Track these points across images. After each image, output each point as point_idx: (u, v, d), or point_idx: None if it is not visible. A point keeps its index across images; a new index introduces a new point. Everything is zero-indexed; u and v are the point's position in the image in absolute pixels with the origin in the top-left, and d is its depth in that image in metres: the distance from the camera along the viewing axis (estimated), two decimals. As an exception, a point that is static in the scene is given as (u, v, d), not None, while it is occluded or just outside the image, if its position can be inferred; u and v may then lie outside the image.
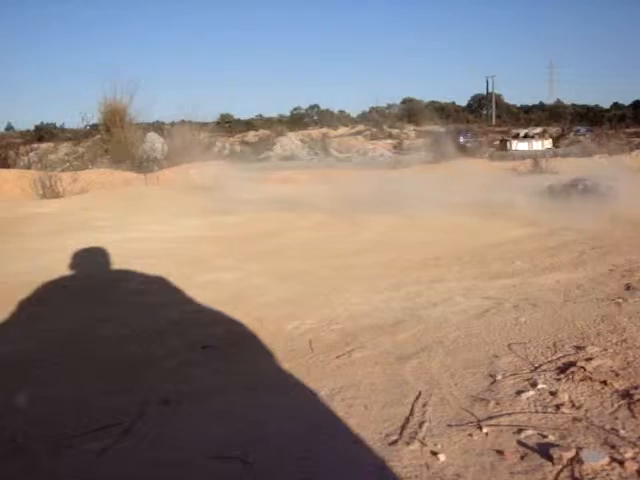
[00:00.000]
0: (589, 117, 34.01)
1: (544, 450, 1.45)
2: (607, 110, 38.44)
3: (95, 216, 6.58)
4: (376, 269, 3.84)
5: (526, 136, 29.15)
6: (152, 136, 14.77)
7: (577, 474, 1.35)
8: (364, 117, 41.18)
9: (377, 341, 2.42)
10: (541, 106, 42.21)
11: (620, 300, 2.74)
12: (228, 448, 1.59)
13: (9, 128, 16.15)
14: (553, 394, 1.78)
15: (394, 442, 1.56)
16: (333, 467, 1.47)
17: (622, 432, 1.51)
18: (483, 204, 6.23)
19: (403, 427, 1.64)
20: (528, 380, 1.90)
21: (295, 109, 44.54)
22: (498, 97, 41.48)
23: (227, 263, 4.19)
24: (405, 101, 41.98)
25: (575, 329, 2.38)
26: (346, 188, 8.45)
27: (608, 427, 1.55)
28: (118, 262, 3.90)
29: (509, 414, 1.67)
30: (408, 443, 1.55)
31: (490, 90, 40.48)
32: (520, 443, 1.51)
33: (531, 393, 1.80)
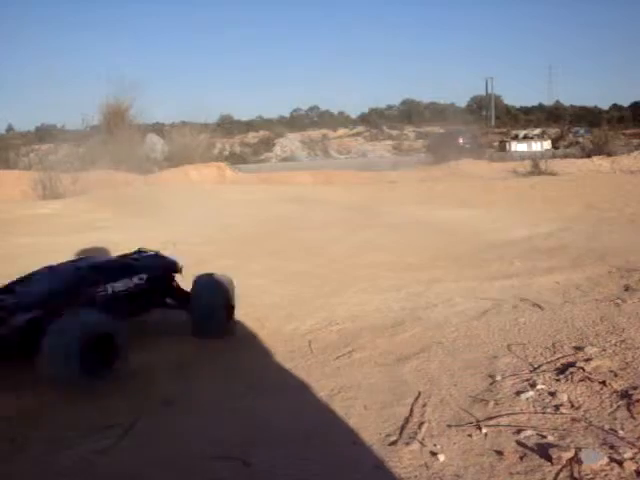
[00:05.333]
0: (588, 118, 34.01)
1: (543, 450, 1.46)
2: (606, 111, 38.45)
3: (95, 217, 6.59)
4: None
5: (525, 137, 29.20)
6: (152, 137, 14.80)
7: (576, 474, 1.35)
8: (364, 118, 41.20)
9: (377, 342, 2.43)
10: (540, 107, 42.23)
11: (619, 301, 2.75)
12: (229, 448, 1.59)
13: (10, 129, 16.15)
14: (552, 394, 1.78)
15: (394, 442, 1.57)
16: (333, 467, 1.48)
17: (621, 432, 1.52)
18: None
19: (403, 427, 1.65)
20: (527, 381, 1.91)
21: (295, 110, 44.53)
22: (497, 98, 41.50)
23: (228, 263, 4.19)
24: (404, 102, 42.02)
25: (574, 330, 2.38)
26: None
27: (607, 427, 1.55)
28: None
29: (508, 414, 1.68)
30: (408, 443, 1.56)
31: (489, 91, 40.49)
32: (519, 443, 1.51)
33: (530, 394, 1.80)
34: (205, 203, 7.71)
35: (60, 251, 4.28)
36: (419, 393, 1.87)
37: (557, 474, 1.37)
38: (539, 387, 1.85)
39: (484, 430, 1.59)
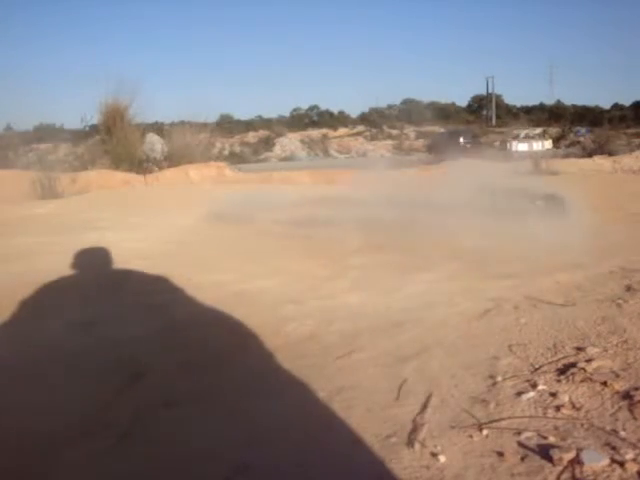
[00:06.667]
0: (589, 118, 34.03)
1: (544, 451, 1.45)
2: (607, 111, 38.48)
3: (95, 217, 6.58)
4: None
5: (526, 137, 29.20)
6: (152, 137, 14.76)
7: (577, 475, 1.35)
8: (364, 118, 41.19)
9: (377, 342, 2.42)
10: (541, 107, 42.25)
11: (621, 301, 2.74)
12: (228, 449, 1.59)
13: (8, 128, 16.12)
14: (553, 395, 1.78)
15: (394, 443, 1.56)
16: (333, 468, 1.47)
17: (622, 433, 1.51)
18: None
19: (403, 428, 1.64)
20: (528, 381, 1.90)
21: (295, 110, 44.55)
22: (498, 98, 41.52)
23: (227, 264, 4.19)
24: (405, 102, 42.01)
25: (575, 330, 2.38)
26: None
27: (608, 428, 1.55)
28: (118, 262, 3.90)
29: (509, 415, 1.67)
30: (408, 444, 1.55)
31: (490, 91, 40.51)
32: (520, 444, 1.51)
33: (531, 394, 1.79)
34: (204, 203, 7.70)
35: (59, 251, 4.28)
36: (419, 394, 1.87)
37: (558, 475, 1.36)
38: (540, 388, 1.84)
39: (485, 431, 1.59)
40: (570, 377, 1.89)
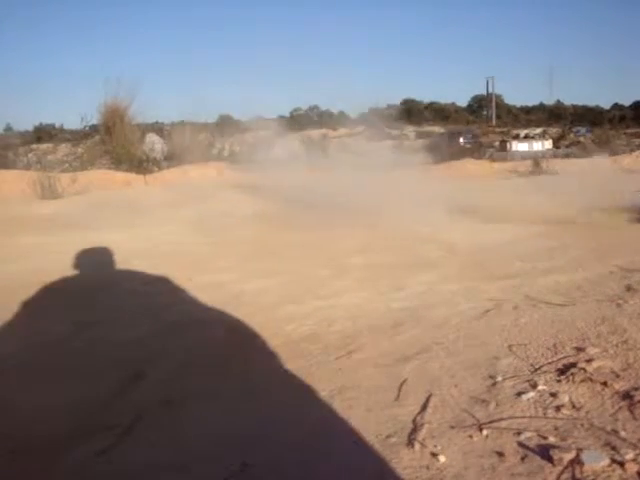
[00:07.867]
0: (589, 118, 33.97)
1: (544, 452, 1.45)
2: (607, 111, 38.42)
3: (95, 216, 6.58)
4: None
5: (526, 137, 29.12)
6: (152, 137, 14.72)
7: (578, 475, 1.35)
8: (364, 118, 41.14)
9: (377, 342, 2.42)
10: (541, 107, 42.19)
11: (621, 301, 2.74)
12: (228, 449, 1.59)
13: (8, 129, 16.07)
14: (553, 395, 1.78)
15: (394, 443, 1.56)
16: (333, 468, 1.47)
17: (622, 433, 1.51)
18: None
19: (403, 428, 1.64)
20: (528, 381, 1.90)
21: (295, 110, 44.51)
22: (498, 98, 41.40)
23: (227, 264, 4.19)
24: (405, 102, 41.94)
25: (575, 330, 2.38)
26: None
27: (609, 428, 1.55)
28: (118, 263, 3.90)
29: (509, 415, 1.67)
30: (408, 444, 1.55)
31: (490, 91, 40.45)
32: (520, 444, 1.51)
33: (531, 394, 1.80)
34: (203, 203, 7.70)
35: (60, 251, 4.28)
36: (420, 394, 1.87)
37: (559, 475, 1.36)
38: (540, 388, 1.84)
39: (485, 431, 1.58)
40: (570, 377, 1.89)
